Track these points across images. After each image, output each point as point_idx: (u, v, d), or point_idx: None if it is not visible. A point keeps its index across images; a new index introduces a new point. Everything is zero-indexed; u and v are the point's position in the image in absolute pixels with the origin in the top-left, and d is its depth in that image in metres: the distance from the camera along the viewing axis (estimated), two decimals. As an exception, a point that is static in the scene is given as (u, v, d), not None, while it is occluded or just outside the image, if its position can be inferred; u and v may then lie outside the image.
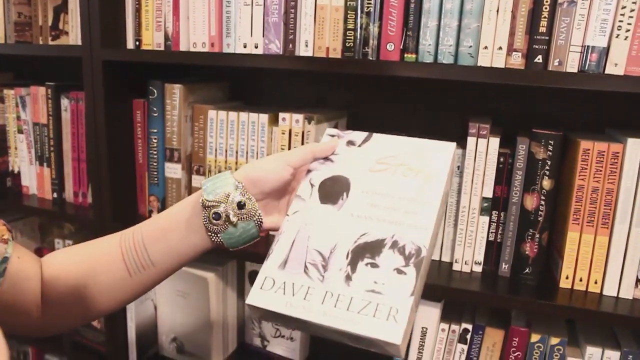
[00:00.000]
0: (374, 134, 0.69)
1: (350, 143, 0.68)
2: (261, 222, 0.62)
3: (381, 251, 0.56)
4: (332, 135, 0.70)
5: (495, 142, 0.94)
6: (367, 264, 0.56)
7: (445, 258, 1.03)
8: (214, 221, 0.61)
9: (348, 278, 0.55)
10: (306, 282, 0.56)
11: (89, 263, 0.65)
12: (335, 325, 0.52)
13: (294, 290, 0.56)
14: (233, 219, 0.61)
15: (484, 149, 0.94)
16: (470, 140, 0.94)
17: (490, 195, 0.96)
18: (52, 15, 1.27)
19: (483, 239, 0.98)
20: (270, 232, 0.63)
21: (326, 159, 0.67)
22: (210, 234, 0.62)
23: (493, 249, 0.99)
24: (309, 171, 0.66)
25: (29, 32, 1.30)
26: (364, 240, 0.57)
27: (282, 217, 0.63)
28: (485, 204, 0.96)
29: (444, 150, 0.65)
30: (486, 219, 0.97)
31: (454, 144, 0.66)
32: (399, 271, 0.54)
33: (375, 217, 0.59)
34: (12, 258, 0.58)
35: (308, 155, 0.66)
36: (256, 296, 0.56)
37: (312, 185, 0.65)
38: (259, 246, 0.72)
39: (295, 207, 0.63)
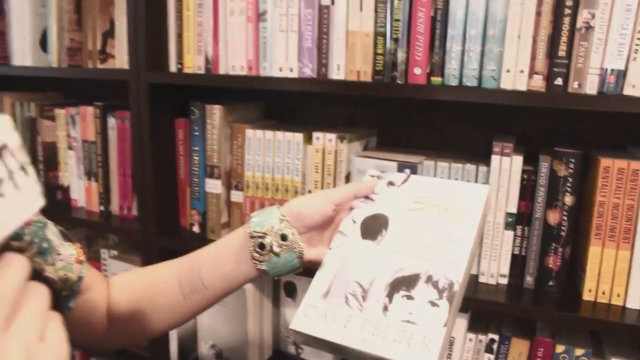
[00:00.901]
0: (413, 175, 0.74)
1: (390, 183, 0.73)
2: (302, 254, 0.68)
3: (416, 285, 0.61)
4: (373, 176, 0.75)
5: (518, 160, 0.98)
6: (403, 296, 0.60)
7: (472, 271, 1.08)
8: (260, 251, 0.67)
9: (385, 309, 0.60)
10: (346, 311, 0.61)
11: (149, 286, 0.72)
12: (373, 352, 0.57)
13: (335, 317, 0.61)
14: (276, 249, 0.67)
15: (508, 167, 0.98)
16: (495, 159, 0.99)
17: (514, 210, 1.00)
18: (101, 40, 1.36)
19: (508, 253, 1.02)
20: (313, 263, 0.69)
21: (367, 197, 0.72)
22: (255, 262, 0.68)
23: (518, 262, 1.03)
24: (351, 208, 0.71)
25: (79, 56, 1.40)
26: (401, 274, 0.62)
27: (325, 250, 0.69)
28: (510, 219, 1.01)
29: (478, 192, 0.69)
30: (511, 233, 1.01)
31: (488, 186, 0.70)
32: (433, 304, 0.59)
33: (412, 253, 0.64)
34: (85, 277, 0.65)
35: (349, 194, 0.72)
36: (300, 322, 0.61)
37: (354, 221, 0.70)
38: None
39: (337, 242, 0.68)
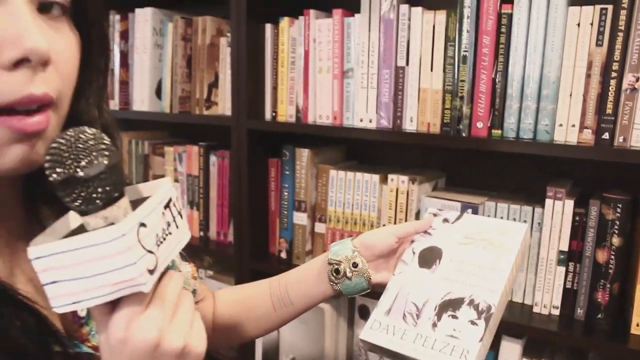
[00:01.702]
0: (465, 214, 0.88)
1: (445, 220, 0.88)
2: (370, 278, 0.84)
3: (460, 307, 0.76)
4: (432, 214, 0.89)
5: (569, 204, 1.10)
6: (449, 315, 0.75)
7: (527, 301, 1.19)
8: (335, 275, 0.84)
9: (434, 325, 0.75)
10: (403, 326, 0.76)
11: (246, 300, 0.91)
12: (422, 358, 0.72)
13: (394, 330, 0.76)
14: (349, 274, 0.83)
15: (560, 209, 1.11)
16: (548, 202, 1.11)
17: (566, 248, 1.12)
18: (207, 91, 1.59)
19: (560, 286, 1.14)
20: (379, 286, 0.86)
21: (426, 232, 0.87)
22: (332, 284, 0.85)
23: (569, 295, 1.14)
24: (412, 241, 0.87)
25: (188, 104, 1.64)
26: (448, 298, 0.77)
27: (389, 275, 0.84)
28: (562, 256, 1.13)
29: (518, 230, 0.83)
30: (562, 269, 1.13)
31: (527, 225, 0.84)
32: (473, 322, 0.74)
33: (459, 280, 0.79)
34: (198, 291, 0.85)
35: (411, 229, 0.87)
36: (367, 333, 0.77)
37: (413, 252, 0.85)
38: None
39: (399, 269, 0.84)
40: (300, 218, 1.43)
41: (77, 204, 0.44)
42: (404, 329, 0.76)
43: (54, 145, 0.44)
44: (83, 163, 0.43)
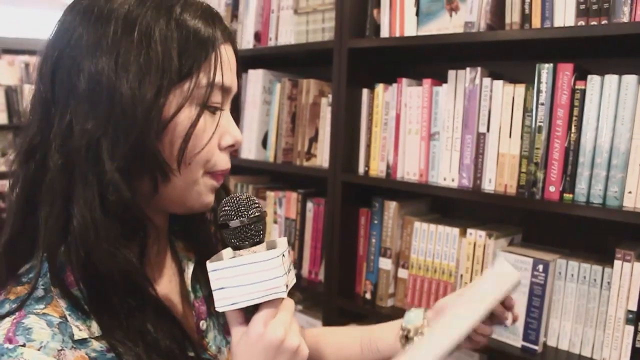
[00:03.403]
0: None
1: None
2: None
3: None
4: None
5: (638, 266, 1.19)
6: None
7: (596, 356, 1.27)
8: (405, 340, 0.99)
9: None
10: None
11: (340, 340, 1.08)
12: None
13: None
14: (415, 338, 0.98)
15: (629, 271, 1.19)
16: (617, 263, 1.20)
17: (634, 308, 1.20)
18: (307, 144, 1.79)
19: (629, 345, 1.21)
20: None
21: None
22: (402, 343, 0.99)
23: (638, 355, 1.21)
24: None
25: (290, 155, 1.84)
26: None
27: None
28: (630, 316, 1.20)
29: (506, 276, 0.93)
30: (631, 327, 1.20)
31: (518, 278, 0.93)
32: None
33: None
34: None
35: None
36: None
37: None
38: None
39: None
40: (385, 263, 1.58)
41: (236, 241, 0.69)
42: None
43: (230, 202, 0.69)
44: (250, 214, 0.68)
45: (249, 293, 0.66)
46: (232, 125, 0.77)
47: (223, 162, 0.76)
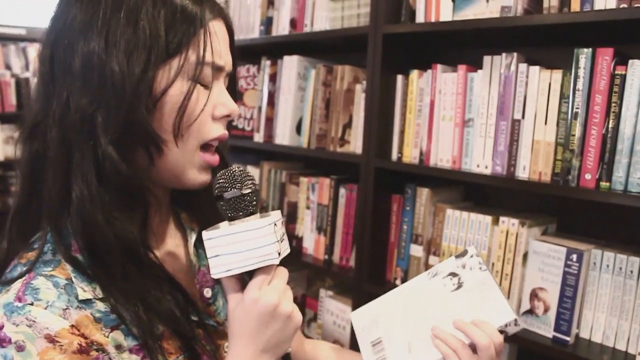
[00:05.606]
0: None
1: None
2: None
3: None
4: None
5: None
6: None
7: (632, 350, 1.24)
8: None
9: None
10: None
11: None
12: None
13: None
14: None
15: (667, 262, 1.16)
16: (654, 254, 1.17)
17: (671, 300, 1.17)
18: (341, 130, 1.80)
19: (664, 337, 1.18)
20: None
21: None
22: None
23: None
24: None
25: (324, 141, 1.85)
26: None
27: None
28: (667, 307, 1.17)
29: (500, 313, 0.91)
30: (667, 320, 1.18)
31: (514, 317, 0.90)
32: None
33: None
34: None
35: None
36: None
37: None
38: None
39: None
40: (416, 250, 1.57)
41: (230, 212, 0.72)
42: None
43: (225, 174, 0.73)
44: (244, 186, 0.72)
45: (243, 260, 0.70)
46: (225, 97, 0.79)
47: (217, 130, 0.78)
